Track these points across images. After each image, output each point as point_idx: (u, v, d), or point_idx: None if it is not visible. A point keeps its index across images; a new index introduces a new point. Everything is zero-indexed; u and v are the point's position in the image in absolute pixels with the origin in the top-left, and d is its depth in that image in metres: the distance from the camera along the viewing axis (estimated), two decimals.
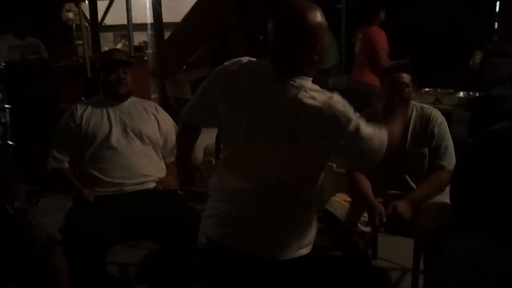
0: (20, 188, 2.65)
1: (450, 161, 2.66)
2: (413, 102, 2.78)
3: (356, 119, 1.70)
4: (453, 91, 4.77)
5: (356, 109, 2.76)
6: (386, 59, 4.63)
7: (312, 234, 1.91)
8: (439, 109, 2.94)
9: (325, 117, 1.67)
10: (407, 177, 2.72)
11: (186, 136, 2.12)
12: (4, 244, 2.33)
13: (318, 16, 1.72)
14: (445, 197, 2.45)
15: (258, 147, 1.79)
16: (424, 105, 2.83)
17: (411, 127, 2.73)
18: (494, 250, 1.96)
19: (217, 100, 1.86)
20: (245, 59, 1.87)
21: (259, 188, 1.81)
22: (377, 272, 3.17)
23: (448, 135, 2.72)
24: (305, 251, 1.88)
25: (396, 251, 3.28)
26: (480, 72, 4.91)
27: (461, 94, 4.68)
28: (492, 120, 2.27)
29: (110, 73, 2.92)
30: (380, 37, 4.74)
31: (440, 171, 2.65)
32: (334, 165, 3.48)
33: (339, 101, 1.70)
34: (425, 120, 2.73)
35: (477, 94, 4.62)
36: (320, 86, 1.77)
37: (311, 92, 1.70)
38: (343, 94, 1.79)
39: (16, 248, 2.33)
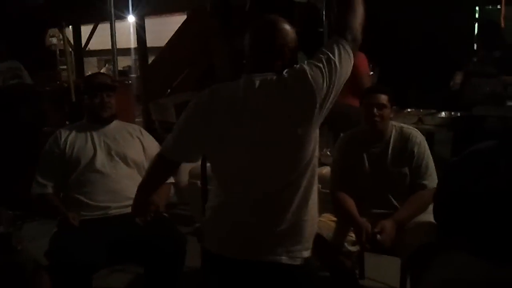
0: (4, 213, 2.63)
1: (431, 179, 2.69)
2: (392, 122, 2.83)
3: (323, 54, 1.83)
4: (435, 111, 4.84)
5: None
6: (369, 83, 4.71)
7: (312, 236, 1.96)
8: (422, 129, 2.99)
9: (304, 76, 1.80)
10: (390, 196, 2.75)
11: (163, 171, 2.16)
12: None
13: (286, 24, 1.91)
14: (430, 216, 2.48)
15: (254, 151, 1.84)
16: (404, 125, 2.87)
17: (391, 147, 2.77)
18: (481, 266, 1.98)
19: (200, 131, 1.92)
20: (213, 86, 1.97)
21: (260, 195, 1.86)
22: None
23: (428, 154, 2.75)
24: (305, 254, 1.92)
25: (383, 270, 3.29)
26: (461, 92, 4.99)
27: (443, 114, 4.74)
28: (474, 140, 2.31)
29: (94, 96, 2.92)
30: (361, 62, 4.78)
31: (422, 190, 2.68)
32: (320, 185, 3.50)
33: (303, 63, 1.85)
34: (405, 140, 2.77)
35: (459, 114, 4.69)
36: None
37: (283, 73, 1.84)
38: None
39: (2, 273, 2.30)
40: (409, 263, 2.55)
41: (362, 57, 4.83)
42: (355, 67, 1.87)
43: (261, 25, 1.92)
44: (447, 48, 6.09)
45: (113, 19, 4.31)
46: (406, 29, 6.36)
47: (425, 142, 2.79)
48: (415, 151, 2.73)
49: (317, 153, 1.91)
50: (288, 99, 1.81)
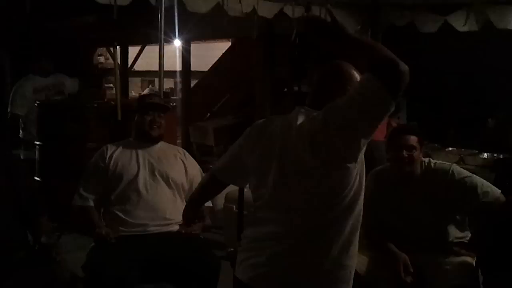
0: (47, 223, 2.70)
1: (492, 191, 2.62)
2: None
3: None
4: (477, 151, 4.77)
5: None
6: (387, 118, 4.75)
7: (350, 281, 1.89)
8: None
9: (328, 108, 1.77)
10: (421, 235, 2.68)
11: (212, 188, 2.26)
12: (27, 277, 2.36)
13: (351, 69, 1.91)
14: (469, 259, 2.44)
15: (292, 186, 1.83)
16: (432, 161, 2.75)
17: (420, 185, 2.68)
18: None
19: (246, 158, 1.97)
20: (270, 116, 2.06)
21: (299, 232, 1.83)
22: None
23: (470, 177, 2.63)
24: None
25: None
26: (505, 134, 4.92)
27: (485, 155, 4.67)
28: None
29: (146, 114, 2.99)
30: None
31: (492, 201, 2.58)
32: None
33: None
34: (436, 176, 2.67)
35: (501, 156, 4.61)
36: None
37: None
38: None
39: (39, 282, 2.35)
40: None
41: None
42: None
43: (330, 65, 1.95)
44: (489, 89, 6.01)
45: (162, 43, 4.41)
46: (449, 69, 6.31)
47: (459, 168, 2.68)
48: (453, 184, 2.62)
49: (362, 198, 1.85)
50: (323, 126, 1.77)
